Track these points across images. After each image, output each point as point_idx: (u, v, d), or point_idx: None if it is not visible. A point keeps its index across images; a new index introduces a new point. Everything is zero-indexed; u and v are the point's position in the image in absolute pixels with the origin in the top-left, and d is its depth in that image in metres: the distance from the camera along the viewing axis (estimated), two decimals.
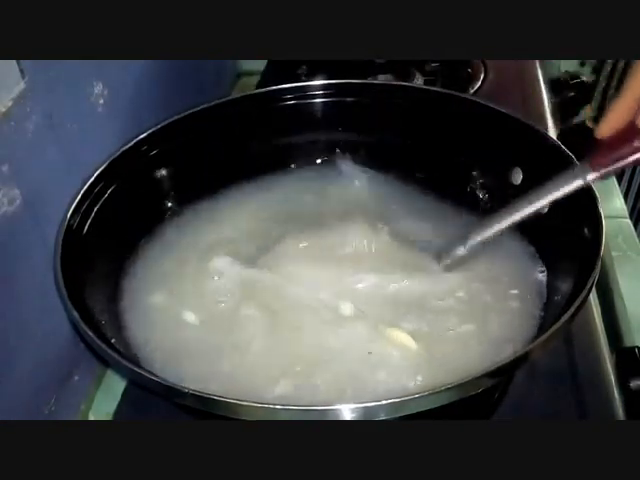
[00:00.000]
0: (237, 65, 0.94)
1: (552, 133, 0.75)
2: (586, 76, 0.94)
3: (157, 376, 0.39)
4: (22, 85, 0.44)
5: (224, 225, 0.58)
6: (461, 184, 0.59)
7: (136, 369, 0.39)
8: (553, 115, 0.79)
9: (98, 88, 0.55)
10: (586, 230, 0.47)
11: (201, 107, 0.57)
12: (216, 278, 0.52)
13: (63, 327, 0.53)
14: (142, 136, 0.55)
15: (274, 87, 0.61)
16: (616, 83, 1.06)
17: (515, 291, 0.51)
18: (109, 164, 0.52)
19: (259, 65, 0.90)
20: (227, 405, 0.36)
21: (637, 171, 1.12)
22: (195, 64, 0.76)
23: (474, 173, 0.59)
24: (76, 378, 0.55)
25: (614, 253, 0.66)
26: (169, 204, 0.58)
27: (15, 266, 0.46)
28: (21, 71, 0.44)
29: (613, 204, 0.73)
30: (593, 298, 0.58)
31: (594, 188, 0.47)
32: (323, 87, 0.61)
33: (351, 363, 0.45)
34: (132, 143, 0.54)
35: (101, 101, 0.55)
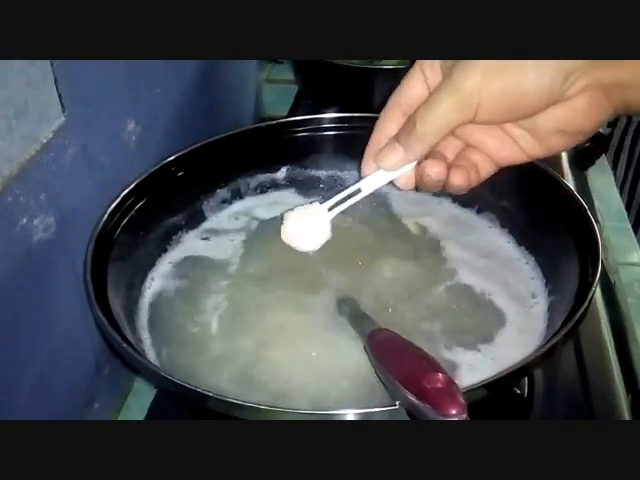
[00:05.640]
0: (261, 110, 0.97)
1: (569, 181, 0.76)
2: (602, 128, 0.96)
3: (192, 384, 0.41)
4: (62, 119, 0.46)
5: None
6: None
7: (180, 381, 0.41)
8: (570, 164, 0.81)
9: (131, 125, 0.57)
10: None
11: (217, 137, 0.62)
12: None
13: (87, 355, 0.54)
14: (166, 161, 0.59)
15: (285, 119, 0.66)
16: (632, 135, 1.08)
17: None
18: (137, 184, 0.55)
19: (282, 111, 0.93)
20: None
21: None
22: (219, 108, 0.79)
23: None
24: (96, 406, 0.56)
25: (630, 300, 0.67)
26: (187, 220, 0.61)
27: (47, 293, 0.48)
28: (62, 105, 0.46)
29: (629, 252, 0.74)
30: (609, 341, 0.59)
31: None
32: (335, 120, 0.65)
33: None
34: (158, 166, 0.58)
35: (133, 138, 0.58)
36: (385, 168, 0.44)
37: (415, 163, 0.44)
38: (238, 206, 0.64)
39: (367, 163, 0.45)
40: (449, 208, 0.63)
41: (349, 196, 0.47)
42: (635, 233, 0.78)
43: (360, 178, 0.46)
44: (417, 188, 0.45)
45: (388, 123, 0.44)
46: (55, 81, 0.45)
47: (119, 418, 0.58)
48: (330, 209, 0.47)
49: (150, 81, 0.61)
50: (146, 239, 0.57)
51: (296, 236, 0.48)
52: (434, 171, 0.42)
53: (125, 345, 0.43)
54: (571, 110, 0.39)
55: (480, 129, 0.42)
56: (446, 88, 0.40)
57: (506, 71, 0.38)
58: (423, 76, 0.43)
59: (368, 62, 0.84)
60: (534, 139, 0.42)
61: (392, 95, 0.44)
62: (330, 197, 0.47)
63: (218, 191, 0.63)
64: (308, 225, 0.47)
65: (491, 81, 0.38)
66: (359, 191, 0.46)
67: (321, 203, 0.47)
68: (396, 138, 0.43)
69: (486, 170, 0.44)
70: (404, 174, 0.44)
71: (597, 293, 0.63)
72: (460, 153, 0.44)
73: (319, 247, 0.47)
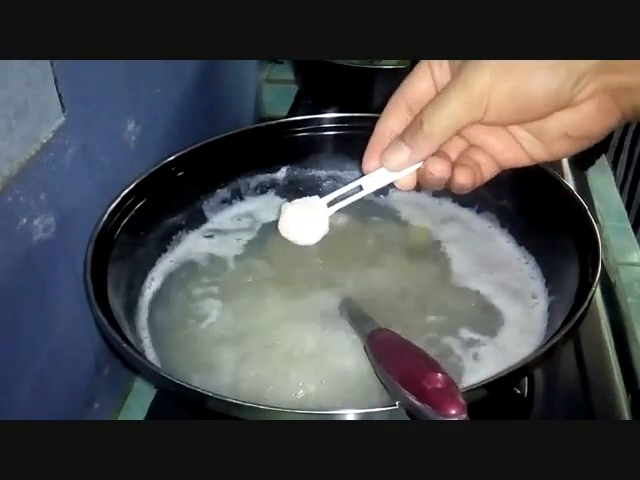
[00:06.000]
0: (261, 110, 0.97)
1: (569, 181, 0.76)
2: None
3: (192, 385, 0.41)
4: (62, 119, 0.46)
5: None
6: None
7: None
8: (570, 164, 0.81)
9: (131, 125, 0.57)
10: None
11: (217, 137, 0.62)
12: None
13: (87, 355, 0.54)
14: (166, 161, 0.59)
15: (285, 119, 0.66)
16: (632, 135, 1.08)
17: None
18: (137, 184, 0.55)
19: (282, 111, 0.93)
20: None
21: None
22: (219, 108, 0.79)
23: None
24: (96, 406, 0.56)
25: (630, 300, 0.67)
26: (187, 220, 0.61)
27: (47, 293, 0.48)
28: (62, 105, 0.46)
29: (629, 252, 0.74)
30: (609, 341, 0.59)
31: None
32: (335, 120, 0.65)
33: None
34: (158, 166, 0.58)
35: (133, 138, 0.58)
36: (390, 168, 0.43)
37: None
38: (238, 206, 0.64)
39: (369, 158, 0.45)
40: (449, 208, 0.63)
41: (349, 193, 0.47)
42: (635, 233, 0.78)
43: (361, 175, 0.46)
44: (417, 187, 0.45)
45: (392, 117, 0.44)
46: (55, 81, 0.45)
47: (119, 418, 0.58)
48: (330, 205, 0.47)
49: (150, 81, 0.61)
50: (146, 239, 0.57)
51: (294, 229, 0.47)
52: (438, 169, 0.42)
53: (125, 345, 0.43)
54: (580, 115, 0.39)
55: (485, 130, 0.42)
56: (455, 87, 0.39)
57: (515, 72, 0.38)
58: (430, 72, 0.42)
59: (368, 62, 0.84)
60: (539, 142, 0.41)
61: (397, 89, 0.44)
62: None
63: (218, 191, 0.63)
64: (306, 219, 0.47)
65: (500, 82, 0.38)
66: (360, 189, 0.46)
67: (320, 197, 0.47)
68: (402, 137, 0.42)
69: (489, 171, 0.44)
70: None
71: (597, 293, 0.63)
72: (463, 153, 0.44)
73: (316, 242, 0.47)
